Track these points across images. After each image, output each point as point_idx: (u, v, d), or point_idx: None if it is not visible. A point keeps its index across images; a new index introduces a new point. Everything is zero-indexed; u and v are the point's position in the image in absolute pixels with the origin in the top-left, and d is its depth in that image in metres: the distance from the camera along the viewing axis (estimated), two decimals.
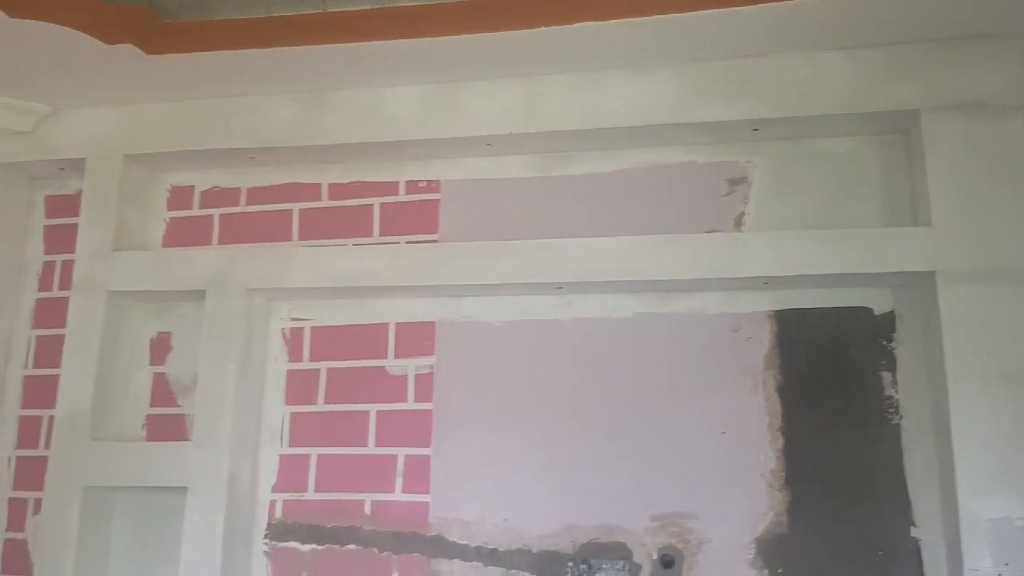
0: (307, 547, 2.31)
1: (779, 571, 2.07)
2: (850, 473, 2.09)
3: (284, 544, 2.32)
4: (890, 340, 2.14)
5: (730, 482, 2.13)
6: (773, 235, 2.14)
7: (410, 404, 2.35)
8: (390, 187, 2.48)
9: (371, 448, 2.34)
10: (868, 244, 2.06)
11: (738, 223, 2.25)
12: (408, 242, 2.41)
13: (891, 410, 2.10)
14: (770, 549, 2.08)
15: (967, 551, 1.87)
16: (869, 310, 2.16)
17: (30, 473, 2.46)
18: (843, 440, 2.11)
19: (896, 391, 2.11)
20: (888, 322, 2.15)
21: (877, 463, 2.08)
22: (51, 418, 2.43)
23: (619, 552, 2.16)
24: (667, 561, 2.14)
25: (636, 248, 2.18)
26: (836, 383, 2.14)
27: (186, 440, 2.36)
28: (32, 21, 2.05)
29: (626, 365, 2.25)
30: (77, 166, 2.54)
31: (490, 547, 2.22)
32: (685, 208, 2.28)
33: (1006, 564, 1.85)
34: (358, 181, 2.50)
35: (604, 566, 2.17)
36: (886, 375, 2.12)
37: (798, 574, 2.06)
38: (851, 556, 2.05)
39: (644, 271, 2.17)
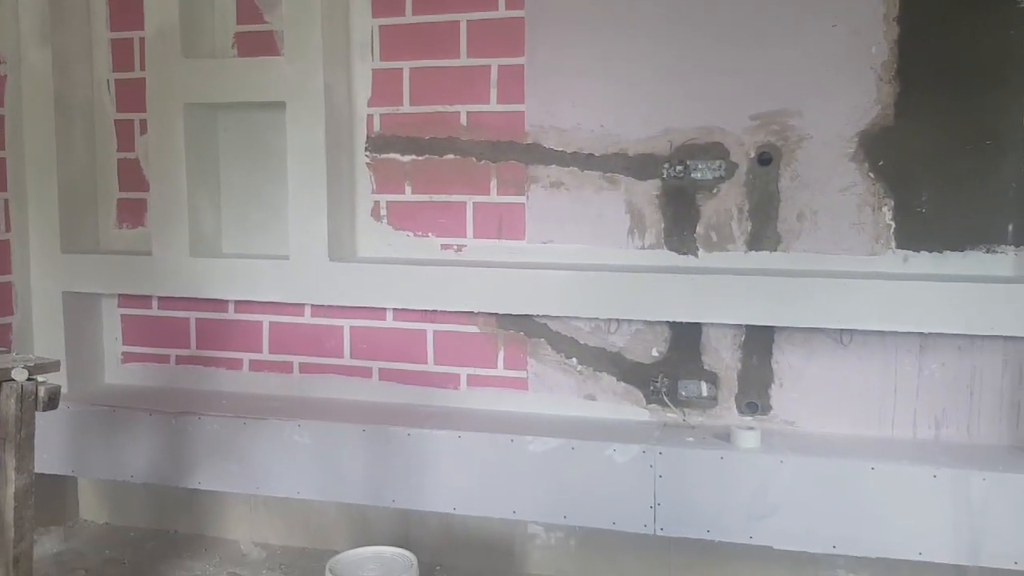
0: (407, 158, 2.37)
1: (880, 163, 2.07)
2: (967, 64, 2.00)
3: (384, 156, 2.39)
4: None
5: (836, 76, 2.07)
6: None
7: (501, 12, 2.26)
8: None
9: (463, 59, 2.30)
10: None
11: None
12: None
13: None
14: (873, 142, 2.07)
15: None
16: None
17: (130, 94, 2.52)
18: (964, 28, 1.99)
19: None
20: None
21: (998, 52, 1.98)
22: (142, 39, 2.44)
23: (716, 152, 2.18)
24: (764, 159, 2.15)
25: None
26: None
27: (278, 55, 2.36)
28: None
29: None
30: None
31: (586, 152, 2.25)
32: None
33: None
34: None
35: (700, 166, 2.19)
36: None
37: (900, 165, 2.06)
38: (957, 148, 2.02)
39: None
